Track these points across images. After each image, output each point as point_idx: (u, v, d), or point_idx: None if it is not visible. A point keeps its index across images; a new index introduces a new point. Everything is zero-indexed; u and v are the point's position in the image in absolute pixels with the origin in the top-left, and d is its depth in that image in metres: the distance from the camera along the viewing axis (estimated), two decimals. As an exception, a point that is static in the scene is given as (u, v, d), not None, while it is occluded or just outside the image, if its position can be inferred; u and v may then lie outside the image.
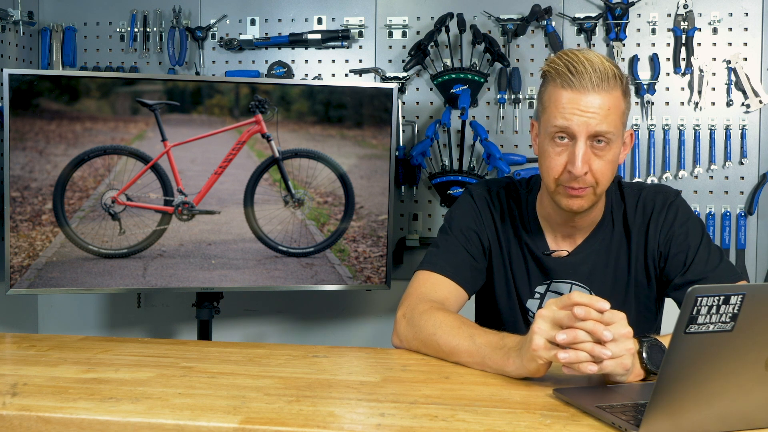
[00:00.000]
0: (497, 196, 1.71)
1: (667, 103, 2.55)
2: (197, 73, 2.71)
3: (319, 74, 2.69)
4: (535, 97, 2.53)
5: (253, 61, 2.72)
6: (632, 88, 2.55)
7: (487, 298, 1.75)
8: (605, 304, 1.21)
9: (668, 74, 2.54)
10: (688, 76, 2.53)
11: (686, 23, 2.51)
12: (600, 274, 1.64)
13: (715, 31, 2.51)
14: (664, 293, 1.67)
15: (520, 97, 2.58)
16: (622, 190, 1.67)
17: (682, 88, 2.54)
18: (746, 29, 2.50)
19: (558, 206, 1.56)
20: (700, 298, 0.94)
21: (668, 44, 2.54)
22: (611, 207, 1.65)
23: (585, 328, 1.20)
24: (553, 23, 2.55)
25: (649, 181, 2.53)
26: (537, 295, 1.67)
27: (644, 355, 1.26)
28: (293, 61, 2.70)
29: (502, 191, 1.72)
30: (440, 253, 1.67)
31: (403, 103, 2.65)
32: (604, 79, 1.46)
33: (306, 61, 2.70)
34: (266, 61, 2.70)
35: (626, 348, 1.21)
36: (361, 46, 2.68)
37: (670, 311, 1.60)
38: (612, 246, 1.64)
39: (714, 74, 2.52)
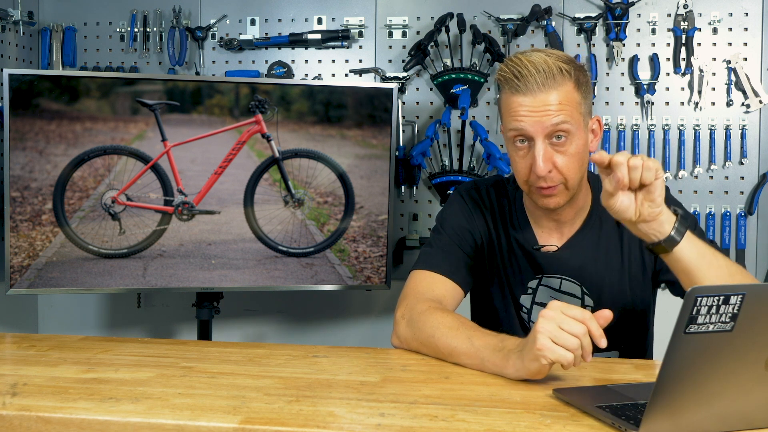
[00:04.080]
0: (487, 194, 1.73)
1: (667, 103, 2.55)
2: (197, 73, 2.71)
3: (319, 74, 2.69)
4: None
5: (253, 61, 2.72)
6: (633, 88, 2.55)
7: (481, 295, 1.76)
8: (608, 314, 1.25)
9: (668, 74, 2.54)
10: (688, 76, 2.53)
11: (686, 23, 2.51)
12: (590, 268, 1.64)
13: (715, 31, 2.51)
14: (658, 280, 1.68)
15: (520, 97, 2.58)
16: None
17: (682, 88, 2.54)
18: (746, 29, 2.50)
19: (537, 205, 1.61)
20: (699, 298, 0.94)
21: (668, 44, 2.54)
22: (599, 201, 1.66)
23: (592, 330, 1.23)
24: (553, 23, 2.55)
25: (649, 181, 2.53)
26: (529, 290, 1.68)
27: (679, 211, 1.38)
28: (293, 61, 2.70)
29: (491, 189, 1.74)
30: (434, 252, 1.68)
31: (403, 103, 2.65)
32: (549, 77, 1.49)
33: (306, 61, 2.70)
34: (266, 61, 2.70)
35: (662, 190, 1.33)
36: (361, 46, 2.68)
37: (671, 311, 1.59)
38: (601, 240, 1.66)
39: (714, 74, 2.51)
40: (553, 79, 1.49)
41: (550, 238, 1.67)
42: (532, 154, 1.51)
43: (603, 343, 1.23)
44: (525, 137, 1.52)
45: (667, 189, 1.66)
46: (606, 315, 1.25)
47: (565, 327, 1.23)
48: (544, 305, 1.65)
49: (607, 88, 2.57)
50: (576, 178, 1.55)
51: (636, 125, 2.55)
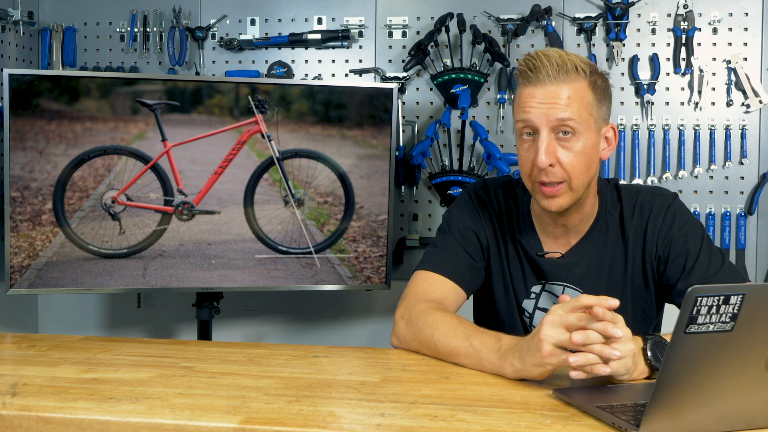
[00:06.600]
0: (495, 195, 1.71)
1: (667, 103, 2.55)
2: (197, 73, 2.71)
3: (319, 74, 2.69)
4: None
5: (253, 61, 2.72)
6: (633, 88, 2.55)
7: (485, 298, 1.75)
8: (614, 302, 1.22)
9: (668, 74, 2.54)
10: (688, 76, 2.53)
11: (686, 23, 2.51)
12: (594, 276, 1.63)
13: (715, 31, 2.51)
14: (667, 299, 1.66)
15: (520, 97, 2.58)
16: (619, 192, 1.67)
17: (682, 88, 2.54)
18: (746, 29, 2.50)
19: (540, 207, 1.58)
20: (700, 298, 0.94)
21: (668, 44, 2.54)
22: (606, 208, 1.64)
23: (596, 329, 1.20)
24: (553, 23, 2.55)
25: (648, 181, 2.53)
26: (533, 295, 1.67)
27: (649, 353, 1.27)
28: (293, 61, 2.70)
29: (499, 191, 1.72)
30: (438, 253, 1.67)
31: (403, 103, 2.65)
32: (561, 71, 1.48)
33: (306, 61, 2.70)
34: (266, 61, 2.70)
35: (628, 349, 1.22)
36: (361, 46, 2.68)
37: (671, 312, 1.60)
38: (606, 248, 1.63)
39: (714, 74, 2.51)
40: (565, 73, 1.48)
41: (555, 245, 1.65)
42: (536, 146, 1.49)
43: (615, 303, 1.23)
44: (531, 129, 1.50)
45: (681, 204, 1.65)
46: (610, 304, 1.23)
47: (570, 327, 1.23)
48: (546, 311, 1.64)
49: (607, 88, 2.56)
50: (581, 179, 1.52)
51: (636, 125, 2.55)
